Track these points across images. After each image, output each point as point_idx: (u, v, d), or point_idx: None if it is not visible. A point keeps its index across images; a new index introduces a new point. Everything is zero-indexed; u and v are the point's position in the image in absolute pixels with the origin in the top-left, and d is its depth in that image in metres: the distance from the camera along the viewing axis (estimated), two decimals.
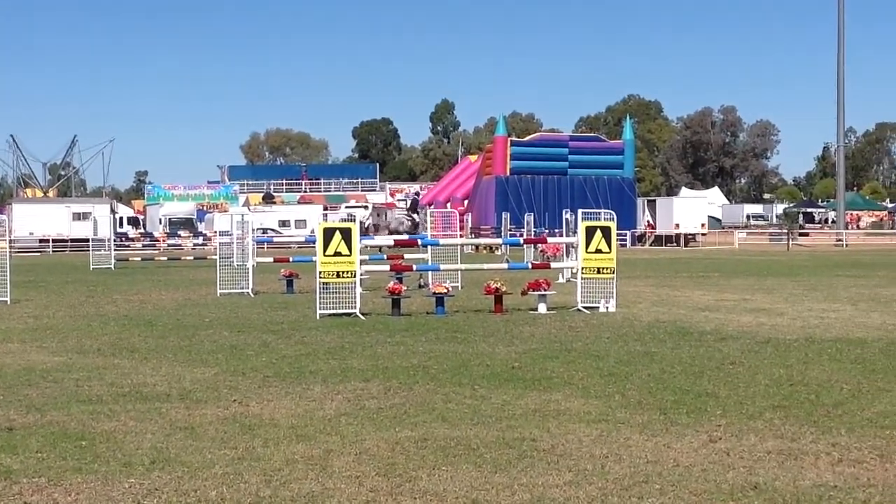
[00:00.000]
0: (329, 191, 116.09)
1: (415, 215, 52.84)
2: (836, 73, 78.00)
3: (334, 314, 19.57)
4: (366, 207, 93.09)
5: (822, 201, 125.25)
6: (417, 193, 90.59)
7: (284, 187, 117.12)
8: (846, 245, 72.92)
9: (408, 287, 23.56)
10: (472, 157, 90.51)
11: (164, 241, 64.22)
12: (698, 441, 8.87)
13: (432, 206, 70.50)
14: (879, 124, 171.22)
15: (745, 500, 7.15)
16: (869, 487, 7.41)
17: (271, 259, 31.39)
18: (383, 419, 9.86)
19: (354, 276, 19.91)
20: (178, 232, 66.56)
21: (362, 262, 21.61)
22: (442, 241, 26.40)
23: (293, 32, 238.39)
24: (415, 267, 24.76)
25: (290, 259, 31.35)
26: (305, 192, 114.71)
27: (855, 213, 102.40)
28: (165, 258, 49.09)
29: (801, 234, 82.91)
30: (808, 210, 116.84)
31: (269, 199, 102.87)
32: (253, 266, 27.25)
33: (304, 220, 76.96)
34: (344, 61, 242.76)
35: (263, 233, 60.39)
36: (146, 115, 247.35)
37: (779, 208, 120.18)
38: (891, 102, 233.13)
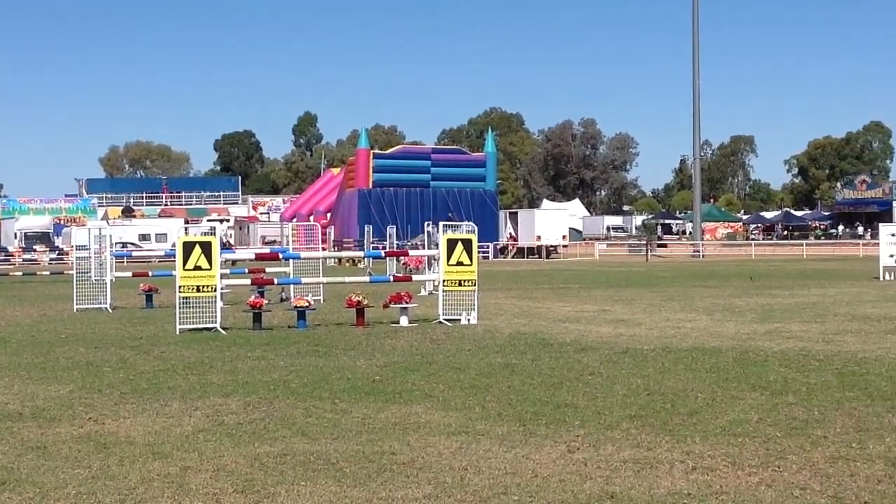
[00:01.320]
0: (190, 204, 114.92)
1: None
2: (692, 87, 79.58)
3: (194, 329, 19.34)
4: (227, 220, 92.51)
5: (679, 213, 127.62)
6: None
7: (145, 200, 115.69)
8: (703, 256, 74.37)
9: (269, 301, 23.42)
10: (335, 170, 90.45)
11: (19, 255, 62.92)
12: (557, 452, 8.94)
13: (295, 220, 70.20)
14: (734, 137, 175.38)
15: None
16: (721, 495, 7.54)
17: (130, 273, 30.88)
18: (242, 435, 9.76)
19: (215, 291, 19.69)
20: (34, 246, 65.28)
21: (223, 276, 21.40)
22: (303, 255, 26.29)
23: (153, 43, 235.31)
24: (276, 280, 24.58)
25: (150, 273, 30.86)
26: (166, 205, 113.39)
27: (711, 224, 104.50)
28: (20, 273, 47.95)
29: (659, 246, 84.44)
30: (667, 221, 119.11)
31: (128, 212, 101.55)
32: (111, 281, 26.78)
33: (165, 234, 76.03)
34: (205, 73, 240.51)
35: (123, 247, 59.61)
36: None
37: (638, 220, 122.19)
38: (745, 116, 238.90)
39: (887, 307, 23.93)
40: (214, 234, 21.82)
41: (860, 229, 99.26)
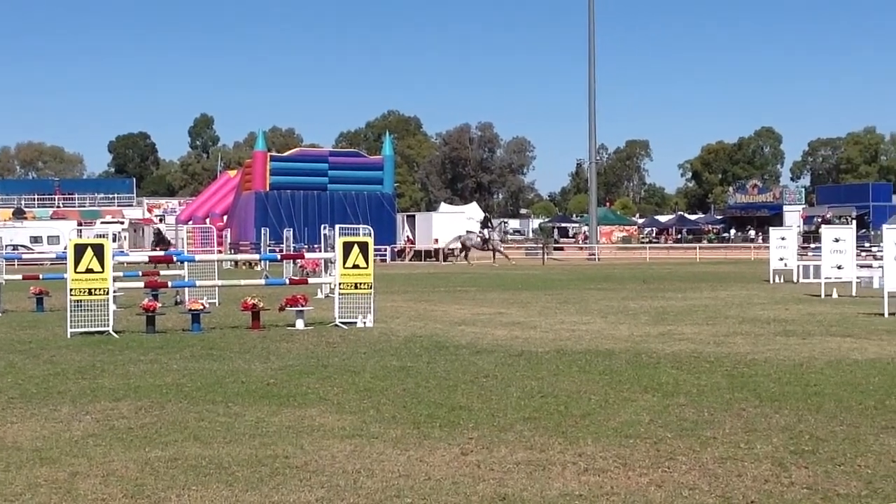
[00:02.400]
0: (84, 206, 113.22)
1: (485, 231, 52.71)
2: (588, 91, 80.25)
3: (86, 332, 19.06)
4: (122, 223, 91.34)
5: (576, 216, 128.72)
6: (488, 210, 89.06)
7: (36, 202, 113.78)
8: (598, 259, 74.99)
9: (163, 304, 23.18)
10: (232, 172, 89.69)
11: None
12: (450, 454, 8.97)
13: (191, 222, 69.57)
14: (629, 141, 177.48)
15: None
16: (612, 496, 7.62)
17: (20, 276, 30.33)
18: (133, 439, 9.65)
19: (107, 294, 19.43)
20: None
21: (116, 279, 21.12)
22: (198, 257, 26.06)
23: (45, 41, 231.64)
24: (170, 283, 24.33)
25: (41, 276, 30.33)
26: (59, 207, 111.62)
27: (607, 227, 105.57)
28: None
29: (556, 249, 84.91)
30: (563, 225, 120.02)
31: (19, 214, 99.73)
32: (1, 284, 26.30)
33: (58, 236, 74.85)
34: (99, 74, 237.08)
35: (13, 249, 58.52)
36: None
37: (535, 223, 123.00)
38: (640, 121, 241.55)
39: (776, 310, 24.35)
40: (107, 236, 21.50)
41: (751, 233, 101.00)
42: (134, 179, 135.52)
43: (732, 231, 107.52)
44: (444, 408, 11.18)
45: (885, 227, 24.77)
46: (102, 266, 19.34)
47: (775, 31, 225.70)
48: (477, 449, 9.16)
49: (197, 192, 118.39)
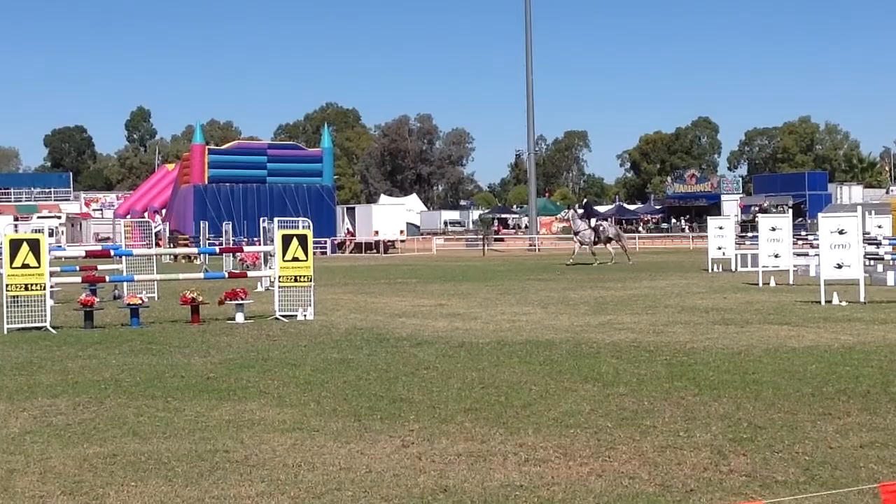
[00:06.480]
0: (20, 201, 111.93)
1: (593, 221, 48.36)
2: (525, 82, 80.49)
3: (23, 328, 18.88)
4: (59, 217, 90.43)
5: (515, 207, 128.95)
6: (587, 196, 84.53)
7: None
8: (539, 250, 75.27)
9: (101, 299, 22.98)
10: (170, 166, 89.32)
11: None
12: (391, 446, 8.96)
13: (129, 216, 69.02)
14: (568, 132, 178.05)
15: (434, 503, 7.26)
16: (553, 485, 7.64)
17: None
18: (71, 436, 9.56)
19: (44, 289, 19.24)
20: None
21: (53, 274, 20.93)
22: (136, 252, 25.85)
23: None
24: (108, 278, 24.10)
25: None
26: None
27: (547, 218, 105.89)
28: None
29: (496, 240, 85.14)
30: (503, 216, 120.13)
31: None
32: None
33: None
34: (34, 66, 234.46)
35: None
36: None
37: (475, 215, 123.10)
38: (578, 111, 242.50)
39: (714, 298, 24.55)
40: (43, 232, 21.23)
41: (681, 221, 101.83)
42: (71, 174, 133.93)
43: (672, 221, 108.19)
44: (384, 400, 11.17)
45: (820, 215, 25.02)
46: (39, 261, 19.15)
47: (710, 20, 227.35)
48: (418, 441, 9.15)
49: (135, 186, 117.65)
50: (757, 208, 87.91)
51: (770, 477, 7.79)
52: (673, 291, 27.22)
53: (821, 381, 12.05)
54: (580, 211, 50.58)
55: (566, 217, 51.32)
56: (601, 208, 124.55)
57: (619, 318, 20.11)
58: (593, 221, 47.62)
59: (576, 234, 47.80)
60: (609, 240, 48.44)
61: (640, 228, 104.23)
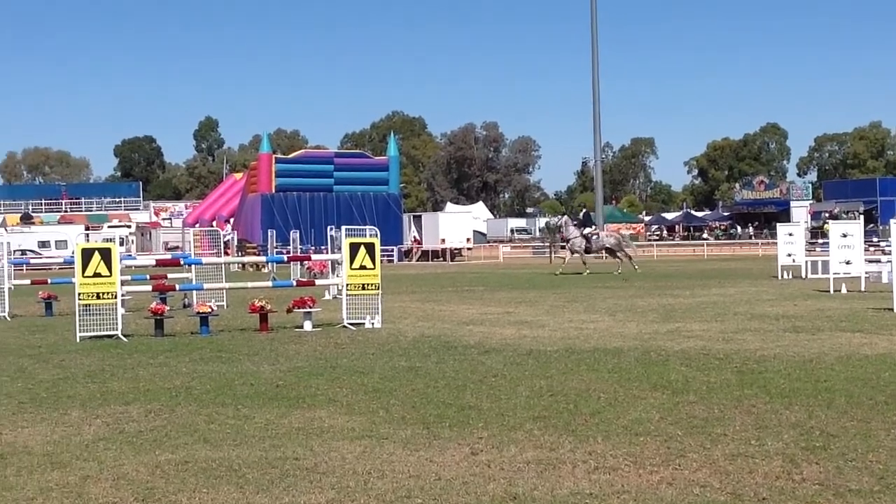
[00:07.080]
0: (91, 210, 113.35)
1: (587, 230, 48.18)
2: (592, 89, 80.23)
3: (95, 336, 19.06)
4: (129, 226, 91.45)
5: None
6: (585, 207, 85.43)
7: (44, 207, 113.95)
8: (605, 258, 74.82)
9: (171, 307, 23.19)
10: (238, 175, 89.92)
11: None
12: (460, 454, 8.95)
13: (197, 225, 69.59)
14: (634, 139, 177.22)
15: None
16: (623, 494, 7.60)
17: (29, 281, 30.40)
18: (143, 442, 9.64)
19: (115, 297, 19.44)
20: None
21: (124, 283, 21.15)
22: (205, 260, 26.07)
23: (49, 48, 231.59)
24: (178, 286, 24.32)
25: (49, 281, 30.38)
26: (66, 211, 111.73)
27: (613, 225, 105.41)
28: None
29: (562, 248, 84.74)
30: None
31: (27, 219, 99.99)
32: (10, 289, 26.33)
33: (65, 241, 74.94)
34: (104, 77, 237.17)
35: (22, 254, 58.58)
36: None
37: (541, 222, 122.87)
38: (645, 118, 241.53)
39: (785, 306, 24.31)
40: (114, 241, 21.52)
41: (750, 229, 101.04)
42: (140, 183, 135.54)
43: (739, 228, 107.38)
44: (453, 408, 11.16)
45: (892, 221, 24.69)
46: (110, 270, 19.36)
47: (779, 26, 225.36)
48: (487, 448, 9.14)
49: (203, 195, 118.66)
50: (827, 214, 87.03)
51: (843, 486, 7.70)
52: (742, 299, 26.99)
53: (895, 388, 11.89)
54: (575, 221, 49.61)
55: (559, 224, 50.72)
56: (668, 215, 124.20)
57: (688, 325, 19.97)
58: (587, 230, 47.11)
59: (567, 241, 47.51)
60: (609, 249, 47.96)
61: (707, 235, 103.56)
